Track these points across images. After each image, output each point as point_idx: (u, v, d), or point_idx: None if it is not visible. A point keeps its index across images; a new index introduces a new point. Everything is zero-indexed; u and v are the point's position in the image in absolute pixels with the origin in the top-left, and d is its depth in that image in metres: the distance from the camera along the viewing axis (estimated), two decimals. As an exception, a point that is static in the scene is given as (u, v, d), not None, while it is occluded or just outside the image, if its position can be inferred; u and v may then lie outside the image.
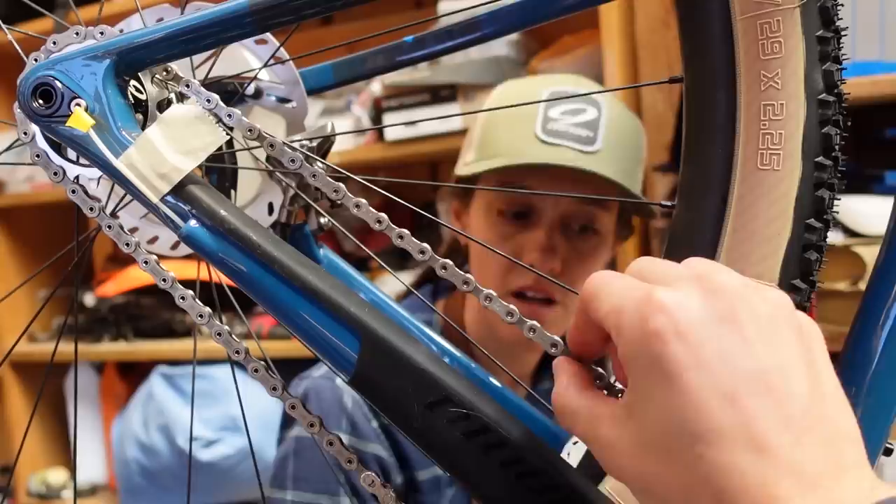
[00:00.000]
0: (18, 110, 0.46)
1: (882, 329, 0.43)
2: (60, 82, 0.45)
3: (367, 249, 0.56)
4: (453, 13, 0.64)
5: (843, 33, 0.41)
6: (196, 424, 1.66)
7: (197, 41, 0.46)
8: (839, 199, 0.42)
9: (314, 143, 0.57)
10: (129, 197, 0.48)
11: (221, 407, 1.67)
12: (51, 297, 0.67)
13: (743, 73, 0.40)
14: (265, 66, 0.56)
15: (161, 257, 0.48)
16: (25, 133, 0.48)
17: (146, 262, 0.46)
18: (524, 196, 0.90)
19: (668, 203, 0.46)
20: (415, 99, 1.49)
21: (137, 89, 0.48)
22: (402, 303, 1.06)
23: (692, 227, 0.43)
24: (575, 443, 0.48)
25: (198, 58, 0.54)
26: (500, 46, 1.45)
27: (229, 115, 0.46)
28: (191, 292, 0.46)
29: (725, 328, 0.30)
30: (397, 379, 0.41)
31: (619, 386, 0.38)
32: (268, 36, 0.56)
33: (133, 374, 1.98)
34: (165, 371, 1.77)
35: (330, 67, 0.62)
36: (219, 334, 0.46)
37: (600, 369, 0.39)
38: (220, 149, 0.47)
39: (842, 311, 1.04)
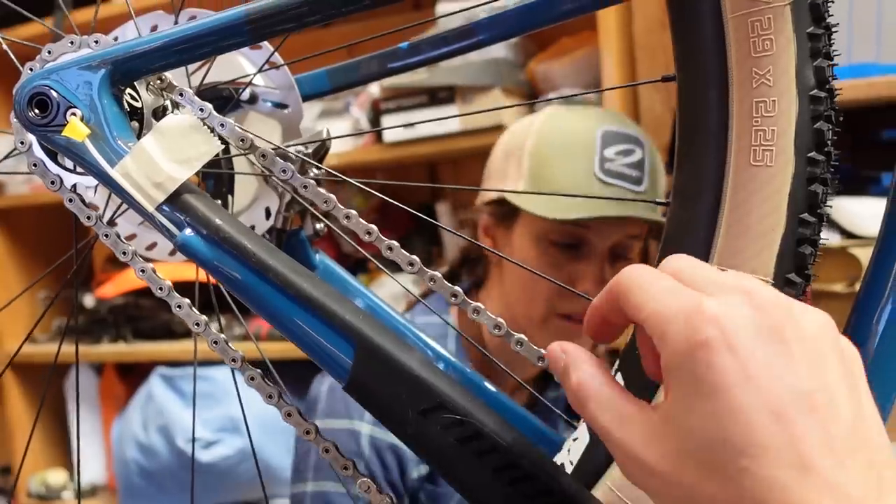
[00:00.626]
0: (15, 119, 0.46)
1: (876, 328, 0.43)
2: (56, 92, 0.45)
3: (364, 252, 0.56)
4: (452, 13, 0.64)
5: (833, 29, 0.41)
6: (196, 425, 1.66)
7: (193, 50, 0.46)
8: (832, 194, 0.42)
9: (310, 149, 0.57)
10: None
11: (221, 408, 1.67)
12: (52, 304, 0.67)
13: (734, 70, 0.40)
14: (259, 71, 0.56)
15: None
16: (22, 142, 0.48)
17: (143, 271, 0.47)
18: (579, 230, 0.95)
19: (665, 201, 0.46)
20: (413, 101, 1.50)
21: (133, 97, 0.48)
22: (416, 306, 1.07)
23: (687, 225, 0.43)
24: (575, 439, 0.48)
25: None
26: (499, 48, 1.45)
27: (222, 125, 0.46)
28: (187, 300, 0.47)
29: (773, 345, 0.31)
30: (391, 386, 0.41)
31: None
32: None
33: (132, 375, 1.98)
34: (165, 372, 1.77)
35: (325, 73, 0.62)
36: (215, 342, 0.47)
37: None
38: (216, 155, 0.47)
39: (838, 312, 1.02)
